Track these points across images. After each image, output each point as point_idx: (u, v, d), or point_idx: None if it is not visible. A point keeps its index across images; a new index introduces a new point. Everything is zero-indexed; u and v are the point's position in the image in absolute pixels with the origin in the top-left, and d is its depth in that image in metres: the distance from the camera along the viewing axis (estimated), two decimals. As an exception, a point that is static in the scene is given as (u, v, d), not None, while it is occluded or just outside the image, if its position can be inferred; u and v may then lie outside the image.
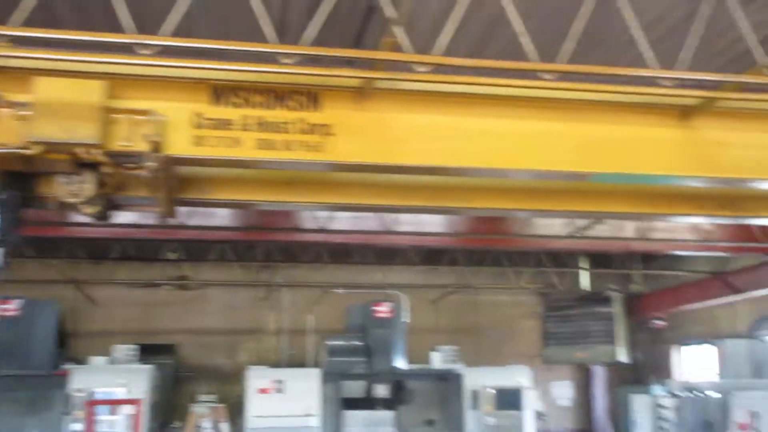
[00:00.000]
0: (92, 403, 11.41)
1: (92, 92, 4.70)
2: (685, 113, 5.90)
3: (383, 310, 12.93)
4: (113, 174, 4.94)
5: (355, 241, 11.65)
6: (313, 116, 5.27)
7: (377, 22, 6.50)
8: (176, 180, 5.68)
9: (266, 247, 14.71)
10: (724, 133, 5.96)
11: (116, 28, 5.15)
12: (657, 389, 11.57)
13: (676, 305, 15.20)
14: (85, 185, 4.88)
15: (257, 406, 12.52)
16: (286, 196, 6.25)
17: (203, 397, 13.57)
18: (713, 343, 12.82)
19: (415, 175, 6.10)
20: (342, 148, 5.28)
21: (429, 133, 5.48)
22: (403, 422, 13.36)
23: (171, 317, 15.79)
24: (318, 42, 5.72)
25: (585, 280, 15.78)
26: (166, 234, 10.96)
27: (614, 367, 16.12)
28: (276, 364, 15.14)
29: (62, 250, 14.37)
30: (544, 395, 16.54)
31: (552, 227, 11.41)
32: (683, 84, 5.75)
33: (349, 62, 5.70)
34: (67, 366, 12.28)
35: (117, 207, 5.61)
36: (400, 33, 5.37)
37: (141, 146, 4.76)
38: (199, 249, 14.78)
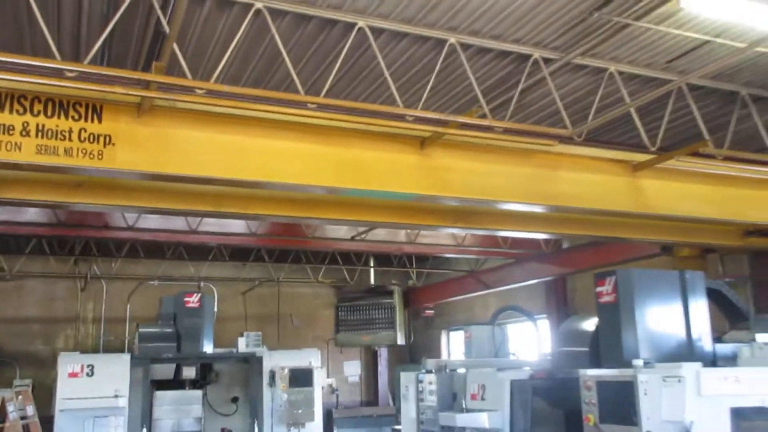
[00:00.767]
0: None
1: None
2: (422, 143, 6.34)
3: (192, 300, 12.64)
4: None
5: (164, 239, 11.29)
6: (95, 127, 5.09)
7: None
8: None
9: (82, 241, 13.85)
10: (451, 161, 6.46)
11: None
12: (420, 367, 12.25)
13: (442, 298, 16.12)
14: None
15: (67, 389, 11.77)
16: (75, 197, 6.00)
17: (17, 382, 12.55)
18: (466, 329, 13.80)
19: (217, 186, 6.07)
20: (121, 157, 5.15)
21: (203, 147, 5.48)
22: (211, 400, 13.16)
23: (-13, 307, 14.39)
24: (112, 57, 5.56)
25: (371, 276, 16.29)
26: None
27: (395, 348, 16.82)
28: (94, 351, 14.36)
29: None
30: (338, 373, 16.97)
31: (339, 231, 11.77)
32: (420, 120, 6.22)
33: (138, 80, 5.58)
34: None
35: None
36: (177, 54, 5.32)
37: None
38: (14, 242, 13.63)
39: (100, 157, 5.08)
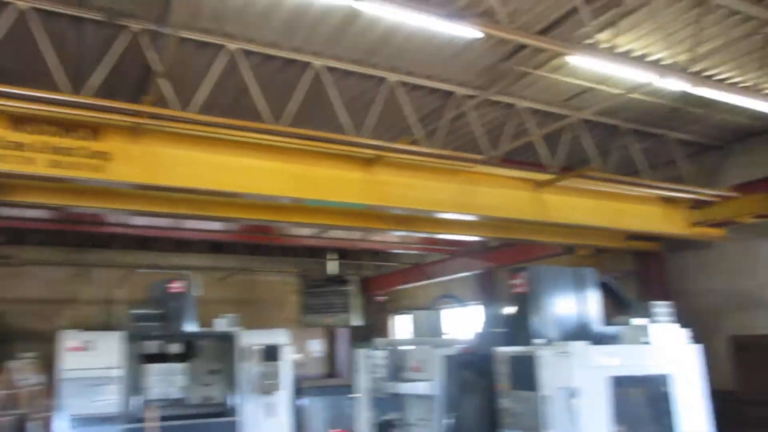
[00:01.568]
0: None
1: None
2: (367, 162, 6.69)
3: (177, 286, 12.78)
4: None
5: (153, 234, 11.46)
6: (95, 145, 5.36)
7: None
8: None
9: (80, 234, 13.89)
10: (392, 177, 6.80)
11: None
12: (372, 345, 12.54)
13: (392, 286, 16.48)
14: None
15: (69, 362, 11.84)
16: (78, 201, 6.22)
17: (23, 356, 12.53)
18: (410, 313, 14.21)
19: (199, 195, 6.33)
20: (118, 170, 5.42)
21: (187, 163, 5.73)
22: (193, 372, 13.33)
23: (-4, 289, 14.32)
24: (105, 86, 5.78)
25: (333, 267, 16.48)
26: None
27: (352, 329, 17.12)
28: (90, 329, 14.37)
29: None
30: (303, 349, 17.24)
31: (304, 229, 12.07)
32: (364, 145, 6.54)
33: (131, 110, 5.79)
34: None
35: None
36: (165, 85, 5.62)
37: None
38: (21, 234, 13.64)
39: (99, 170, 5.35)
